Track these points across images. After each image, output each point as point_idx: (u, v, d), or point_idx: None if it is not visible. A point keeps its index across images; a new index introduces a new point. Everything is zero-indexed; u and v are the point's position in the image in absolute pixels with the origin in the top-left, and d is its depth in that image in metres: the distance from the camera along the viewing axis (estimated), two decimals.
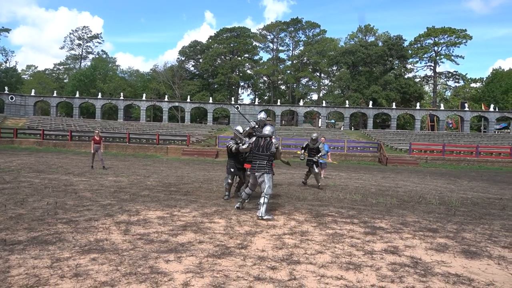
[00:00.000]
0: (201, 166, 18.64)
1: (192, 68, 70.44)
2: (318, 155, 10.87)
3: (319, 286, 3.39)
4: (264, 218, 6.18)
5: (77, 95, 49.02)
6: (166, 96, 51.31)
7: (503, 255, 4.64)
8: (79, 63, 74.20)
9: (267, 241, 4.88)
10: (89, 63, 70.72)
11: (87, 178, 11.17)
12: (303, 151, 11.18)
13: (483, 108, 46.75)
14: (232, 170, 8.18)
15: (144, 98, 48.91)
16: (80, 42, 74.08)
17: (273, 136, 6.96)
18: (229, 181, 8.21)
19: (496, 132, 46.89)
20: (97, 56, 74.06)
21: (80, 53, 74.72)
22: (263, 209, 6.25)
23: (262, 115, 8.24)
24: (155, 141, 30.63)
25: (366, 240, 5.10)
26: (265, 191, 6.44)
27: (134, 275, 3.50)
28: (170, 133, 35.47)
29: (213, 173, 14.53)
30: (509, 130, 47.54)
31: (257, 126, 8.02)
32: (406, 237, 5.33)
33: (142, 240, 4.68)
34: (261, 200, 6.34)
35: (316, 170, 10.77)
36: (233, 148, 7.97)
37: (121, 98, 48.70)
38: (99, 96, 48.85)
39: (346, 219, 6.48)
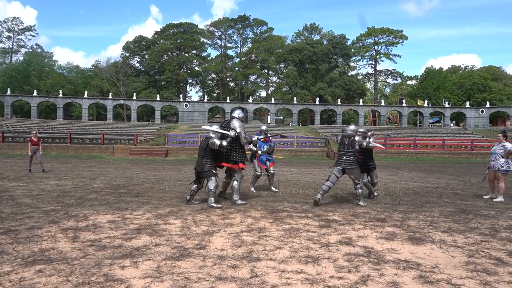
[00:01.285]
0: (150, 166, 18.07)
1: (137, 65, 67.91)
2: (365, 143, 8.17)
3: (280, 281, 3.44)
4: (363, 206, 7.29)
5: (9, 93, 44.99)
6: (110, 93, 48.91)
7: (444, 239, 5.03)
8: (9, 58, 68.01)
9: (225, 239, 4.85)
10: (21, 58, 65.13)
11: (25, 183, 10.33)
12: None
13: (419, 103, 50.41)
14: (214, 171, 7.30)
15: (86, 95, 46.21)
16: (10, 34, 67.84)
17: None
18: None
19: (430, 126, 50.80)
20: (30, 50, 68.38)
21: (11, 46, 68.51)
22: (362, 200, 7.42)
23: (238, 113, 7.85)
24: (99, 141, 29.11)
25: (321, 233, 5.26)
26: (360, 184, 7.47)
27: (88, 284, 3.29)
28: (116, 132, 33.89)
29: (164, 173, 14.14)
30: (440, 124, 51.74)
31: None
32: (358, 228, 5.58)
33: (94, 247, 4.41)
34: (358, 192, 7.43)
35: (376, 180, 8.85)
36: (224, 143, 7.18)
37: (60, 95, 45.59)
38: (35, 94, 45.31)
39: (301, 213, 6.64)
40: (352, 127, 7.70)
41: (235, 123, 7.55)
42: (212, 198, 7.11)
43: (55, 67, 67.50)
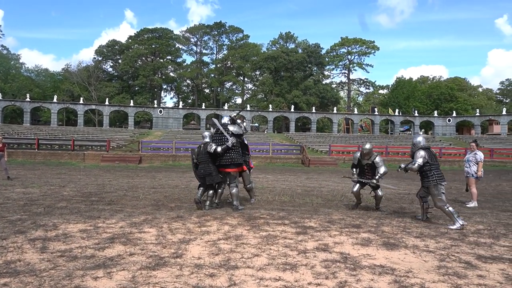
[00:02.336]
0: (123, 173, 17.62)
1: (110, 69, 66.48)
2: (378, 176, 7.59)
3: None
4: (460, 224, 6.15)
5: None
6: (81, 98, 47.53)
7: (416, 244, 5.17)
8: None
9: (202, 248, 4.78)
10: None
11: None
12: (354, 170, 8.12)
13: (390, 112, 52.02)
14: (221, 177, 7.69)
15: (55, 100, 44.70)
16: None
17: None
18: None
19: (400, 134, 52.43)
20: None
21: None
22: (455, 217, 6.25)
23: (226, 119, 8.04)
24: (69, 147, 28.16)
25: (298, 239, 5.28)
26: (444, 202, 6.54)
27: None
28: (87, 138, 32.93)
29: (137, 180, 13.83)
30: (410, 132, 53.50)
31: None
32: (334, 234, 5.64)
33: (64, 257, 4.23)
34: (451, 209, 6.33)
35: (380, 193, 7.84)
36: (219, 149, 7.41)
37: (27, 99, 43.88)
38: (0, 97, 43.38)
39: (278, 220, 6.64)
40: (421, 138, 7.01)
41: (231, 128, 7.79)
42: (209, 202, 7.62)
43: (22, 69, 65.06)
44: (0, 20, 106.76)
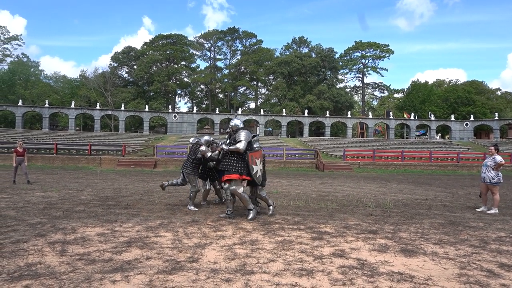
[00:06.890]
0: (139, 177, 17.83)
1: (126, 75, 67.62)
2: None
3: None
4: None
5: None
6: (98, 104, 48.42)
7: (435, 251, 5.06)
8: None
9: (218, 252, 4.78)
10: (6, 67, 64.21)
11: (9, 195, 10.07)
12: None
13: (405, 116, 51.23)
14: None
15: (73, 105, 45.65)
16: None
17: None
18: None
19: (416, 138, 51.58)
20: (16, 59, 67.48)
21: None
22: None
23: (238, 122, 7.53)
24: (86, 151, 28.70)
25: (314, 245, 5.24)
26: None
27: None
28: (103, 143, 33.48)
29: (152, 184, 13.96)
30: (426, 136, 52.60)
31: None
32: (350, 240, 5.57)
33: (83, 261, 4.30)
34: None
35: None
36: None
37: (46, 105, 44.91)
38: (20, 104, 44.52)
39: (293, 225, 6.61)
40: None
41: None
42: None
43: (41, 76, 66.74)
44: (22, 29, 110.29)
